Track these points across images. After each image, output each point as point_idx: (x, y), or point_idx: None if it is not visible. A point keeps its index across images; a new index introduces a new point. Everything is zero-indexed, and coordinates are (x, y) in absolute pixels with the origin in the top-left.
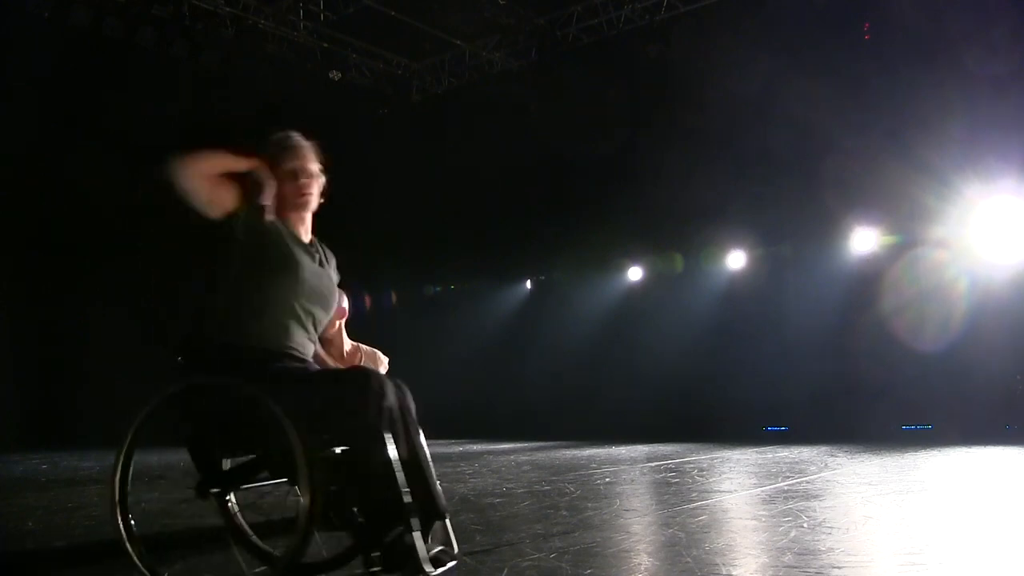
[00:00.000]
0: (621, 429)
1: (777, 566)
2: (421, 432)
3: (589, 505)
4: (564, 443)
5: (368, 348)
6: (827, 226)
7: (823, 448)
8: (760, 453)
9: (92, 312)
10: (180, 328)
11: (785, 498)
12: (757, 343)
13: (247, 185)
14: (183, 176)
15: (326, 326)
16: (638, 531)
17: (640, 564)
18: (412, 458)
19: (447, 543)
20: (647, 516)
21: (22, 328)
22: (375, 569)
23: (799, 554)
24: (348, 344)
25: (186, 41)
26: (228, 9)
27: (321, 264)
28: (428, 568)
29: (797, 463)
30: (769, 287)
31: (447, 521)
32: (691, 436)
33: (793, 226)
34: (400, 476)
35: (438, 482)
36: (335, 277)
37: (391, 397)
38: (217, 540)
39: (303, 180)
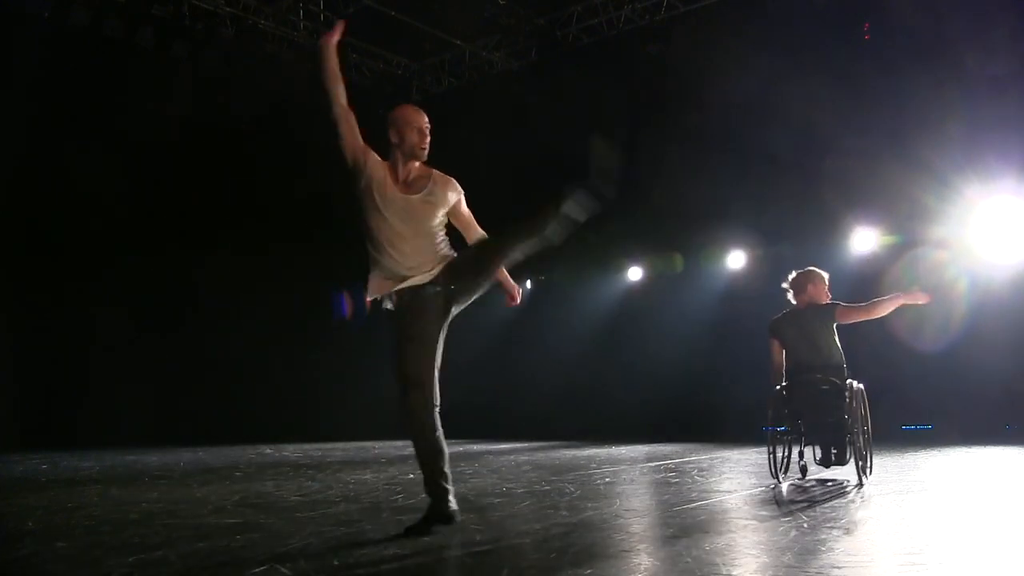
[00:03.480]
0: (621, 429)
1: (777, 566)
2: None
3: (589, 505)
4: (564, 443)
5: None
6: (827, 226)
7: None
8: (760, 453)
9: (92, 312)
10: (180, 327)
11: (785, 498)
12: (757, 343)
13: None
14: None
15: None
16: (638, 531)
17: (640, 564)
18: None
19: None
20: (647, 516)
21: (22, 328)
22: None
23: (799, 554)
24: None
25: (186, 41)
26: (228, 9)
27: None
28: None
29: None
30: (769, 287)
31: None
32: (691, 436)
33: (793, 226)
34: None
35: None
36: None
37: None
38: (216, 540)
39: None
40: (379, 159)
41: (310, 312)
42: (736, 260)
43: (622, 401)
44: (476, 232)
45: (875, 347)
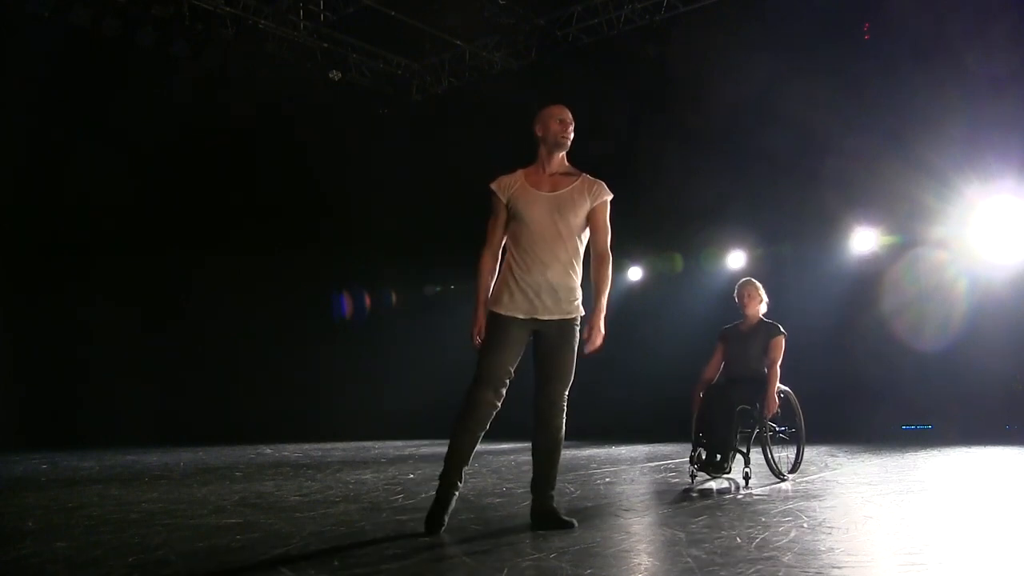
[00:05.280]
0: (621, 429)
1: (777, 566)
2: None
3: (589, 505)
4: (564, 443)
5: None
6: (827, 226)
7: (823, 448)
8: (759, 453)
9: (92, 311)
10: (181, 327)
11: (785, 498)
12: None
13: None
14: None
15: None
16: (638, 531)
17: (640, 564)
18: None
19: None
20: (647, 516)
21: (22, 327)
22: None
23: (799, 554)
24: None
25: (186, 41)
26: (228, 9)
27: None
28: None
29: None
30: (769, 287)
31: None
32: (691, 436)
33: (793, 226)
34: None
35: None
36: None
37: None
38: (216, 540)
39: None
40: (509, 179)
41: (310, 312)
42: (736, 260)
43: (622, 401)
44: (601, 244)
45: (875, 347)
